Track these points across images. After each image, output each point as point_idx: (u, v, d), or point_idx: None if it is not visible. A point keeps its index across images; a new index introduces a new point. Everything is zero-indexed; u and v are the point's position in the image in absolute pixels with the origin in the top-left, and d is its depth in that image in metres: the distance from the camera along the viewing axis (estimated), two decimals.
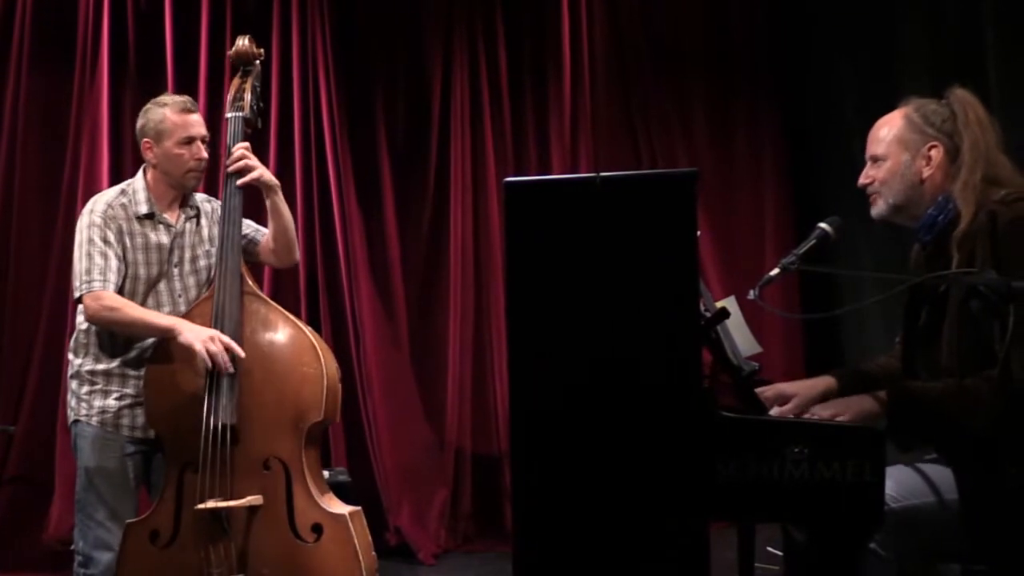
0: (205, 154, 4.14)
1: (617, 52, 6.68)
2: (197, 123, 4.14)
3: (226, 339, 3.83)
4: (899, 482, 2.90)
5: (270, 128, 6.06)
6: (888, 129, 3.13)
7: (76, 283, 3.97)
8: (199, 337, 3.81)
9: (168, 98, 4.19)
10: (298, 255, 4.40)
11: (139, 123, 4.16)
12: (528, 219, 2.70)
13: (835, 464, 2.62)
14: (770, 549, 4.42)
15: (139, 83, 5.95)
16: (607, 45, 6.64)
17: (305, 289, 6.07)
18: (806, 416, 2.97)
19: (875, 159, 3.14)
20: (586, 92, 6.51)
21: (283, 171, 6.07)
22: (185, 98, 4.19)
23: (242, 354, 3.84)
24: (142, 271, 4.04)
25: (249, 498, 3.81)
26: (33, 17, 5.89)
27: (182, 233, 4.15)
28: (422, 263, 6.39)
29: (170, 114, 4.09)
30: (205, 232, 4.22)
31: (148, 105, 4.18)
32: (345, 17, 6.28)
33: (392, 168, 6.34)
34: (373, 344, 6.16)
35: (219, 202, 4.33)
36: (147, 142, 4.11)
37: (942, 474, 2.95)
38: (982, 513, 2.83)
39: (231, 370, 3.82)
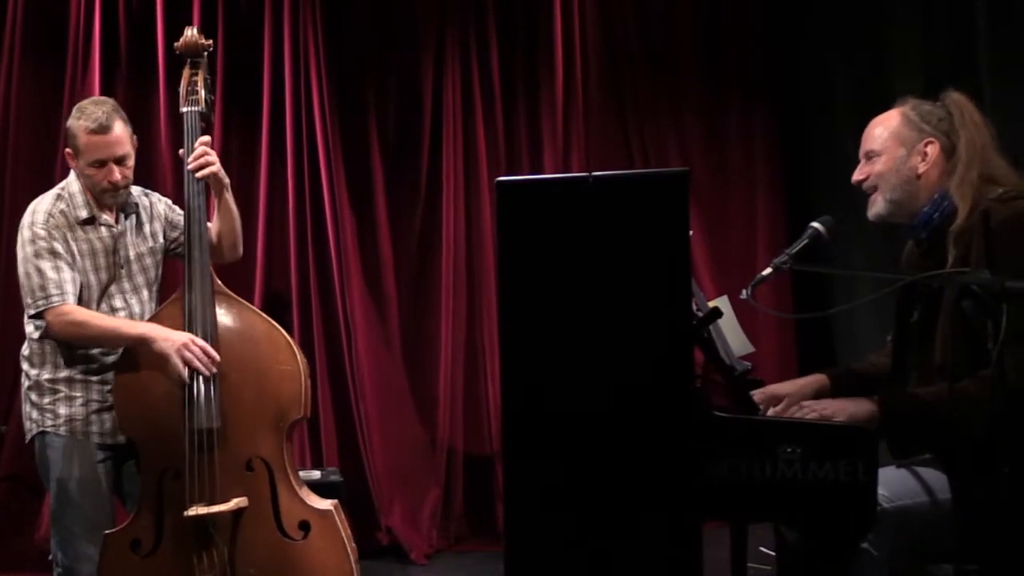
0: (118, 176, 3.94)
1: (609, 52, 6.65)
2: (108, 144, 3.92)
3: (200, 342, 3.79)
4: (892, 482, 2.90)
5: (262, 129, 6.05)
6: (884, 126, 3.15)
7: (29, 300, 3.88)
8: (173, 345, 3.75)
9: (87, 107, 3.99)
10: (241, 250, 4.33)
11: (67, 126, 4.04)
12: (520, 219, 2.70)
13: (828, 464, 2.62)
14: (763, 549, 4.42)
15: (131, 82, 5.93)
16: (599, 45, 6.62)
17: (297, 290, 6.05)
18: (797, 411, 2.96)
19: (870, 155, 3.16)
20: (578, 92, 6.50)
21: (275, 172, 6.07)
22: (99, 115, 3.92)
23: (217, 357, 3.81)
24: (92, 277, 3.96)
25: (235, 501, 3.80)
26: (25, 16, 5.87)
27: (124, 232, 4.06)
28: (414, 263, 6.37)
29: (82, 134, 3.91)
30: (147, 228, 4.16)
31: (75, 109, 4.02)
32: (337, 17, 6.26)
33: (384, 168, 6.32)
34: (365, 344, 6.14)
35: (156, 195, 4.31)
36: (68, 152, 4.01)
37: (935, 474, 2.96)
38: (975, 513, 2.83)
39: (213, 371, 3.79)
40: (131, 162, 4.02)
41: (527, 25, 6.54)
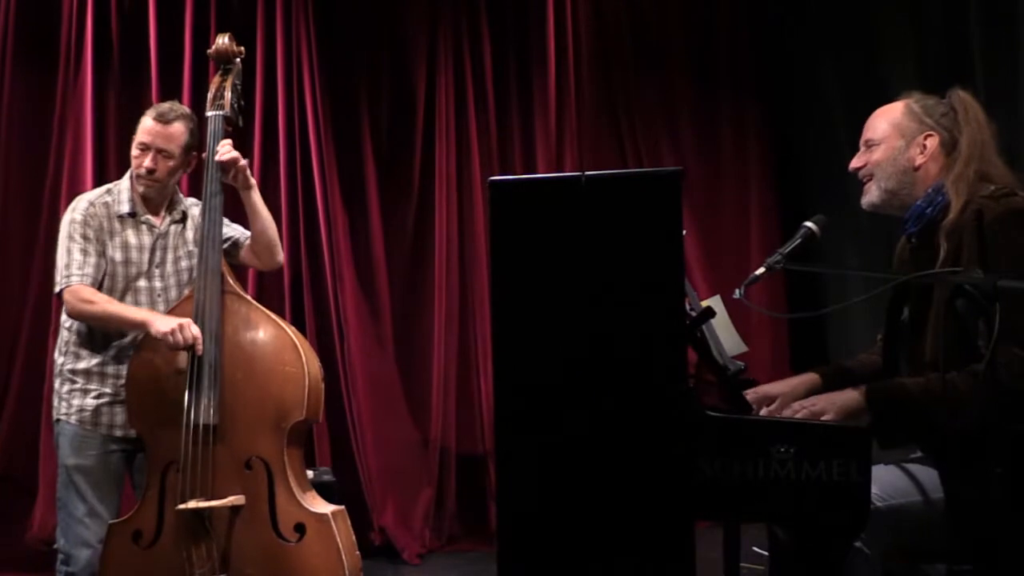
0: (149, 163, 4.08)
1: (602, 51, 6.67)
2: (157, 132, 4.09)
3: (195, 330, 3.85)
4: (884, 481, 2.89)
5: (254, 127, 6.04)
6: (886, 116, 3.16)
7: (57, 278, 4.02)
8: (169, 325, 3.83)
9: (162, 103, 4.24)
10: (281, 258, 4.39)
11: None
12: (513, 218, 2.69)
13: (820, 463, 2.61)
14: (755, 549, 4.41)
15: (123, 83, 5.92)
16: (592, 44, 6.64)
17: (289, 288, 6.05)
18: (787, 412, 2.96)
19: (869, 144, 3.17)
20: (571, 91, 6.51)
21: (267, 170, 6.07)
22: (166, 108, 4.17)
23: (200, 351, 3.86)
24: (120, 270, 4.06)
25: (231, 498, 3.82)
26: (17, 16, 5.85)
27: (166, 234, 4.17)
28: (407, 262, 6.38)
29: (144, 119, 4.14)
30: (190, 234, 4.23)
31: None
32: (329, 16, 6.26)
33: (377, 167, 6.32)
34: (357, 343, 6.14)
35: None
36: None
37: (927, 474, 2.95)
38: (967, 513, 2.83)
39: (199, 352, 3.86)
40: (173, 163, 4.13)
41: (519, 24, 6.56)
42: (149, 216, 4.14)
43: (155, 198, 4.17)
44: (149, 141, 4.09)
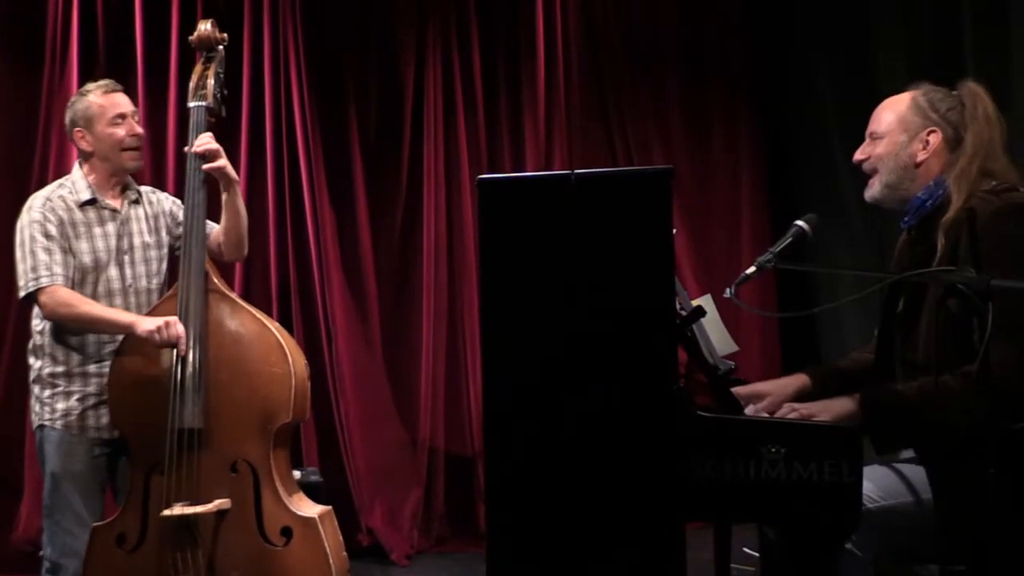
0: (139, 129, 4.13)
1: (592, 50, 6.66)
2: (123, 101, 4.13)
3: (180, 329, 3.80)
4: (876, 482, 2.89)
5: (241, 126, 6.01)
6: (892, 109, 3.14)
7: (21, 282, 3.92)
8: (154, 324, 3.78)
9: (90, 85, 4.18)
10: (246, 251, 4.34)
11: (67, 118, 4.15)
12: (502, 217, 2.69)
13: (812, 464, 2.60)
14: (746, 550, 4.40)
15: (109, 77, 5.86)
16: (582, 42, 6.62)
17: (277, 288, 6.02)
18: (780, 412, 2.94)
19: (873, 136, 3.15)
20: (560, 90, 6.49)
21: (254, 169, 6.04)
22: (107, 80, 4.21)
23: (183, 351, 3.80)
24: (88, 260, 3.98)
25: (217, 502, 3.79)
26: (1, 11, 5.82)
27: (128, 219, 4.11)
28: (395, 262, 6.35)
29: (95, 98, 4.08)
30: (152, 222, 4.18)
31: (72, 99, 4.19)
32: (317, 13, 6.23)
33: (364, 166, 6.30)
34: (345, 343, 6.12)
35: (164, 194, 4.33)
36: (79, 131, 4.09)
37: (919, 474, 2.94)
38: (960, 513, 2.81)
39: (182, 352, 3.80)
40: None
41: (509, 22, 6.54)
42: (109, 201, 4.08)
43: (135, 170, 4.16)
44: (126, 110, 4.11)
